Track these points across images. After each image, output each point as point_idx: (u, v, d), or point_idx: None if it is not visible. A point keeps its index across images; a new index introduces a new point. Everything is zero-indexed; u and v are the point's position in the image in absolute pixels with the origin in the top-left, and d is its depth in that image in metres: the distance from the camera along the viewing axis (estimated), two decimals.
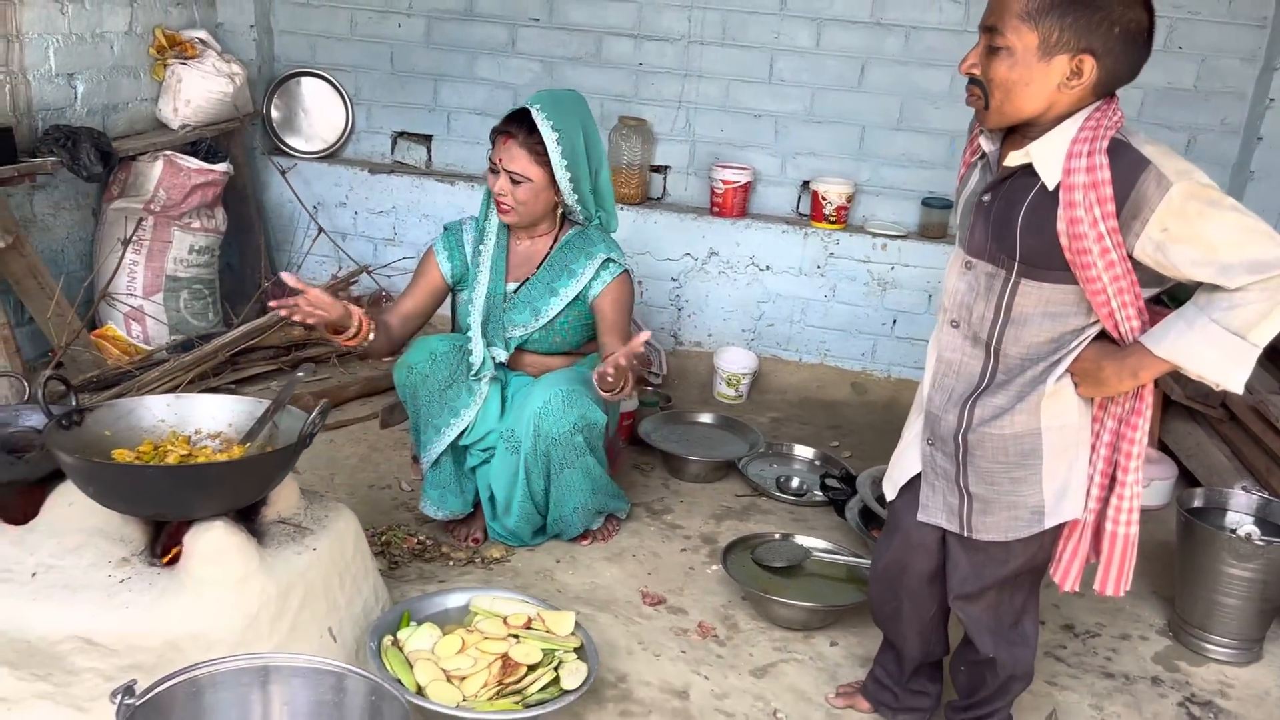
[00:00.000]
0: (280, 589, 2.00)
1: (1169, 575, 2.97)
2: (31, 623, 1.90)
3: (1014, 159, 1.77)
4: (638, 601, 2.69)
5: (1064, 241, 1.71)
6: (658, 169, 4.36)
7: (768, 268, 4.22)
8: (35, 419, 2.23)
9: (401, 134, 4.57)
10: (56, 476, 2.12)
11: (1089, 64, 1.66)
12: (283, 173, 4.39)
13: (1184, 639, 2.70)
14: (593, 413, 2.71)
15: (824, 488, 3.26)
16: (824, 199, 4.11)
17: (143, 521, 2.06)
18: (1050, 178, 1.72)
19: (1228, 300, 1.64)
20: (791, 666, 2.49)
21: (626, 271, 2.83)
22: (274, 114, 4.53)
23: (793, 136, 4.24)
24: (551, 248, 2.86)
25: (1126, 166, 1.66)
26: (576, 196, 2.76)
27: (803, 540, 2.83)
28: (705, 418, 3.73)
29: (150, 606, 1.91)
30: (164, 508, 1.94)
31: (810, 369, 4.30)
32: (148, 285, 3.80)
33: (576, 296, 2.81)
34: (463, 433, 2.80)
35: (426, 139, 4.55)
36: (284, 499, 2.18)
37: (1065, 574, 1.95)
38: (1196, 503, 2.75)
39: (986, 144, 1.85)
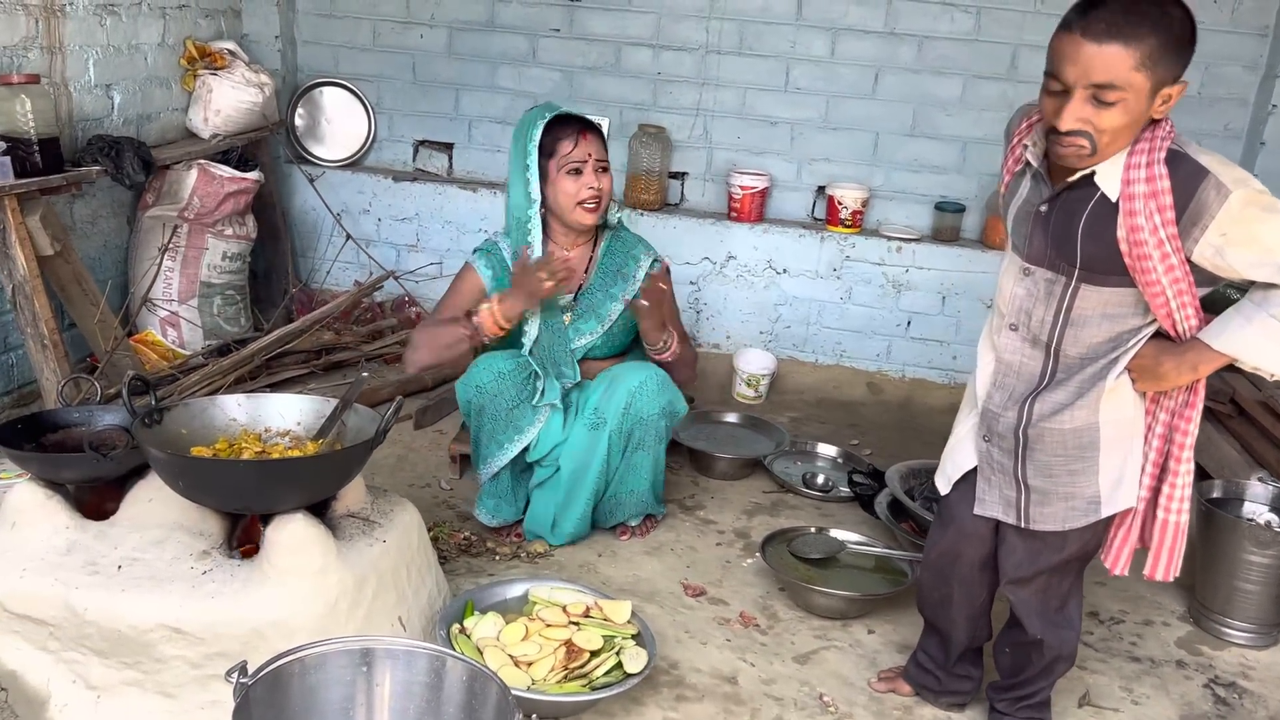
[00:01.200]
0: (356, 579, 2.09)
1: (1186, 564, 3.08)
2: (121, 613, 1.98)
3: (1077, 174, 1.84)
4: (680, 593, 2.78)
5: (1124, 248, 1.80)
6: (675, 175, 4.46)
7: (784, 271, 4.32)
8: (110, 418, 2.32)
9: (423, 142, 4.65)
10: (134, 474, 2.21)
11: (1179, 88, 1.75)
12: (311, 181, 4.48)
13: (1205, 624, 2.80)
14: (680, 402, 2.87)
15: (851, 483, 3.36)
16: (840, 203, 4.22)
17: (220, 516, 2.15)
18: (1111, 189, 1.81)
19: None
20: (832, 653, 2.58)
21: (666, 265, 2.96)
22: (297, 123, 4.61)
23: (808, 143, 4.35)
24: (594, 254, 2.94)
25: (1186, 176, 1.75)
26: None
27: (837, 533, 2.93)
28: (730, 417, 3.82)
29: (235, 596, 1.99)
30: (251, 500, 2.03)
31: (826, 369, 4.41)
32: (183, 291, 3.88)
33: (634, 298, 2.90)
34: (524, 449, 2.86)
35: (448, 147, 4.64)
36: (352, 494, 2.26)
37: (1115, 559, 2.05)
38: (1215, 493, 2.86)
39: (1033, 157, 1.94)
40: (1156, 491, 1.98)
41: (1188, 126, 4.00)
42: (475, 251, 2.95)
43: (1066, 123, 1.74)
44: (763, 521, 3.22)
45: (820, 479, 3.46)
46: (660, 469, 2.93)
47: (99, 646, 2.00)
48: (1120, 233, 1.80)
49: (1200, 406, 1.92)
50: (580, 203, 2.79)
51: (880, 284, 4.28)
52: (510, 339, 2.88)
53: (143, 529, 2.11)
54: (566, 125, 2.78)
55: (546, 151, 2.78)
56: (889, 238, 4.24)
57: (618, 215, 2.97)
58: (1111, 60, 1.68)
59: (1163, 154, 1.77)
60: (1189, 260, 1.79)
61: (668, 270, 2.97)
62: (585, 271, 2.93)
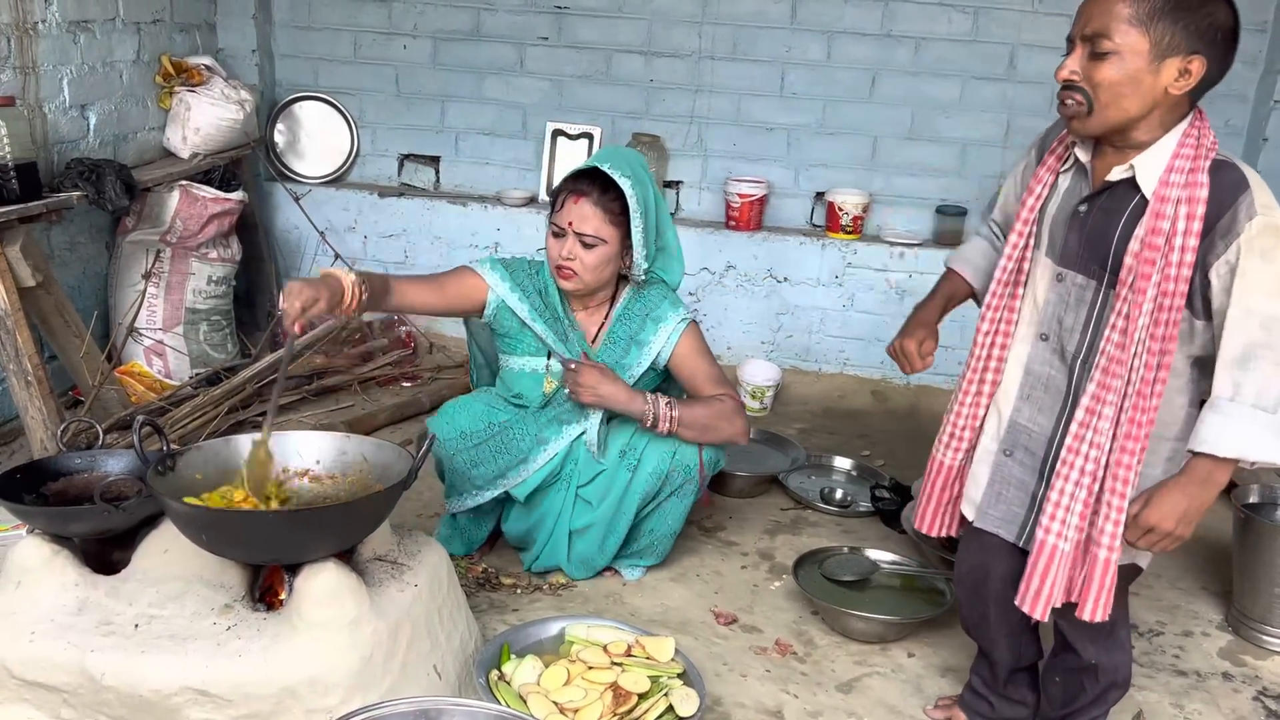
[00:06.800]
0: (390, 628, 1.96)
1: (1216, 570, 3.04)
2: (142, 676, 1.84)
3: (1117, 173, 1.80)
4: (711, 622, 2.68)
5: (1134, 246, 1.75)
6: (671, 184, 4.37)
7: (785, 279, 4.24)
8: (115, 464, 2.18)
9: (408, 156, 4.52)
10: (145, 523, 2.07)
11: (1199, 64, 1.69)
12: (297, 199, 4.33)
13: (1245, 633, 2.75)
14: (721, 454, 2.71)
15: (874, 499, 3.28)
16: (840, 209, 4.14)
17: (242, 566, 2.01)
18: (1148, 185, 1.76)
19: (1254, 388, 1.69)
20: (875, 680, 2.49)
21: (692, 323, 2.67)
22: (277, 139, 4.46)
23: (805, 148, 4.27)
24: (608, 315, 2.68)
25: (1230, 185, 1.71)
26: (645, 255, 2.56)
27: (870, 553, 2.85)
28: None
29: (263, 653, 1.86)
30: (281, 552, 1.90)
31: (830, 379, 4.33)
32: (167, 318, 3.72)
33: (650, 366, 2.66)
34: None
35: (434, 160, 4.51)
36: (379, 536, 2.13)
37: (1034, 602, 1.91)
38: (1252, 499, 2.81)
39: (1082, 154, 1.87)
40: (1088, 532, 1.87)
41: None
42: (495, 261, 2.69)
43: (1062, 73, 1.75)
44: (785, 541, 3.12)
45: (839, 494, 3.37)
46: (686, 515, 2.78)
47: (118, 713, 1.86)
48: (1139, 230, 1.74)
49: (1143, 438, 1.78)
50: (557, 266, 2.56)
51: (883, 290, 4.21)
52: (518, 385, 2.72)
53: (159, 583, 1.98)
54: (576, 181, 2.52)
55: (553, 203, 2.61)
56: (891, 243, 4.17)
57: (644, 267, 2.59)
58: (1107, 8, 1.70)
59: (1208, 161, 1.72)
60: (1206, 278, 1.72)
61: (695, 325, 2.67)
62: (594, 340, 2.68)
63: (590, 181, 2.51)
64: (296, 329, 2.09)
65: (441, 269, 4.34)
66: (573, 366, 2.53)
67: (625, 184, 2.48)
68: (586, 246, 2.51)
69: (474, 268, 2.67)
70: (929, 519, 2.17)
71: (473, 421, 2.65)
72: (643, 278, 2.62)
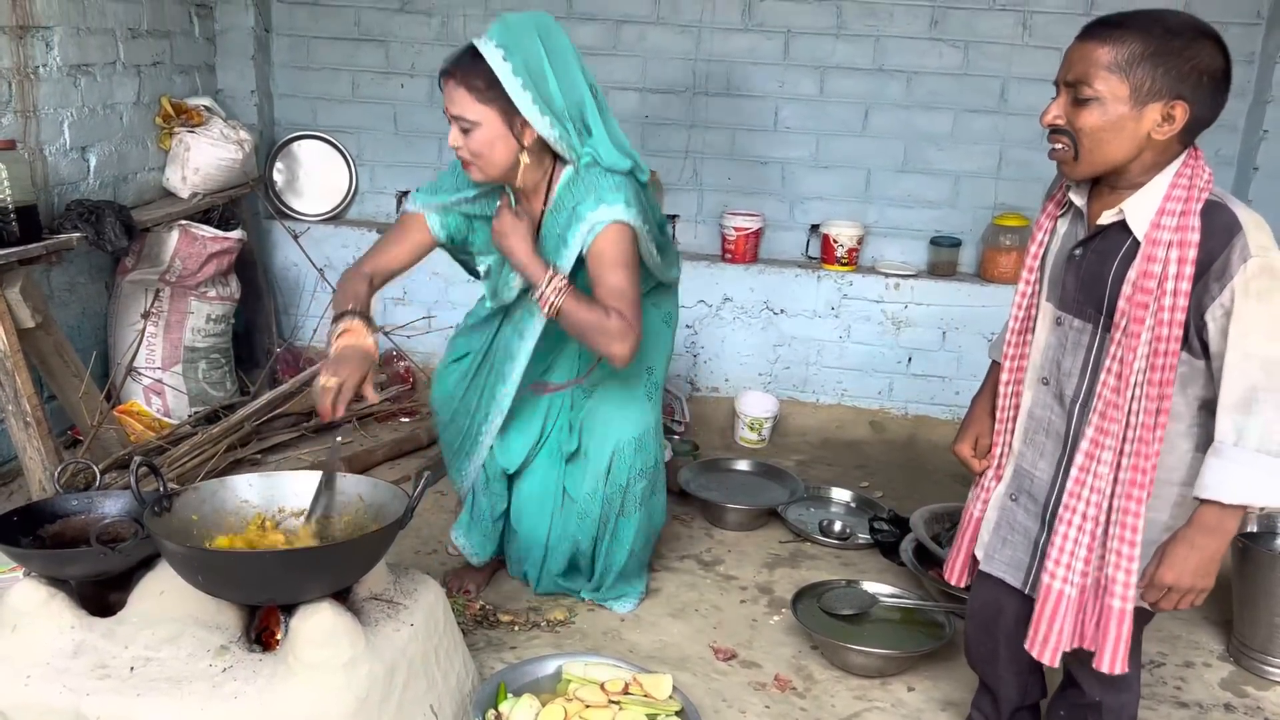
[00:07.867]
0: (386, 668, 1.96)
1: (1216, 600, 3.01)
2: (138, 719, 1.84)
3: (1107, 217, 1.80)
4: (710, 657, 2.67)
5: (1126, 290, 1.75)
6: (667, 218, 4.39)
7: (782, 311, 4.25)
8: (111, 505, 2.18)
9: (406, 193, 4.55)
10: (141, 564, 2.07)
11: (1181, 109, 1.70)
12: (296, 237, 4.35)
13: (1246, 664, 2.74)
14: (660, 454, 2.75)
15: (872, 530, 3.27)
16: (835, 241, 4.17)
17: (238, 607, 2.01)
18: (1139, 227, 1.76)
19: (1258, 433, 1.66)
20: (875, 715, 2.48)
21: (618, 223, 2.30)
22: (276, 178, 4.49)
23: (799, 182, 4.30)
24: (544, 209, 2.42)
25: (1222, 227, 1.70)
26: (550, 122, 2.24)
27: (867, 586, 2.84)
28: (741, 464, 3.73)
29: (260, 695, 1.86)
30: (276, 592, 1.90)
31: (828, 410, 4.33)
32: (166, 357, 3.74)
33: (579, 261, 2.38)
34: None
35: None
36: (375, 575, 2.13)
37: (1043, 648, 1.91)
38: (1251, 527, 2.80)
39: (1076, 197, 1.89)
40: (1097, 580, 1.86)
41: None
42: (419, 192, 2.62)
43: (1046, 117, 1.78)
44: (784, 574, 3.12)
45: (838, 526, 3.37)
46: (652, 529, 2.81)
47: None
48: (1131, 274, 1.74)
49: (1146, 483, 1.76)
50: (457, 153, 2.33)
51: (879, 321, 4.22)
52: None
53: (154, 624, 1.97)
54: (449, 62, 2.25)
55: None
56: (886, 274, 4.19)
57: (585, 154, 2.31)
58: (1087, 55, 1.72)
59: (1200, 205, 1.72)
60: (1201, 320, 1.71)
61: (623, 229, 2.32)
62: (536, 234, 2.40)
63: (458, 60, 2.24)
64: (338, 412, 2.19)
65: (440, 304, 4.44)
66: (498, 206, 2.37)
67: (495, 54, 2.18)
68: (464, 131, 2.25)
69: (410, 209, 2.59)
70: (957, 570, 2.16)
71: (456, 384, 2.79)
72: (565, 150, 2.31)
